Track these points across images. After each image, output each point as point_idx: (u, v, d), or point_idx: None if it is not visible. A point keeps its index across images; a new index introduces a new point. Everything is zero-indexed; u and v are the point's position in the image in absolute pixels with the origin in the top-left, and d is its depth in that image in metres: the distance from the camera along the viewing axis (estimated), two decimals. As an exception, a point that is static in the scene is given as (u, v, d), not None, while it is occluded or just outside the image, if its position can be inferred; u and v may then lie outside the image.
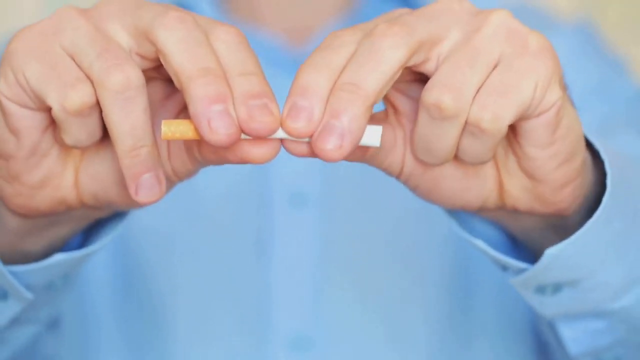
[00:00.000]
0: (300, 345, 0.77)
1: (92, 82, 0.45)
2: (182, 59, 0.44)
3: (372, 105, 0.44)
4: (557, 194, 0.50)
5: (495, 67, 0.46)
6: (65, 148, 0.49)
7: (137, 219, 0.77)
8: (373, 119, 0.49)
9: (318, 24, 0.85)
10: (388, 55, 0.44)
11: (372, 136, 0.46)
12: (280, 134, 0.45)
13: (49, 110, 0.46)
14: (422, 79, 0.48)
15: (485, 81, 0.45)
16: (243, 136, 0.44)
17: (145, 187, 0.46)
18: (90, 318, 0.79)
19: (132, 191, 0.46)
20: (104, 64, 0.44)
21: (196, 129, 0.44)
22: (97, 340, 0.79)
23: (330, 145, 0.44)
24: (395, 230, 0.79)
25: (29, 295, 0.54)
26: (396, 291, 0.79)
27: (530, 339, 0.79)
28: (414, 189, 0.51)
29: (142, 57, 0.46)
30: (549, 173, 0.49)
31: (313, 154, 0.45)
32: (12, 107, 0.46)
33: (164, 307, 0.78)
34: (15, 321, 0.57)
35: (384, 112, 0.50)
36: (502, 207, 0.51)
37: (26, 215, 0.50)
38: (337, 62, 0.45)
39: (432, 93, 0.45)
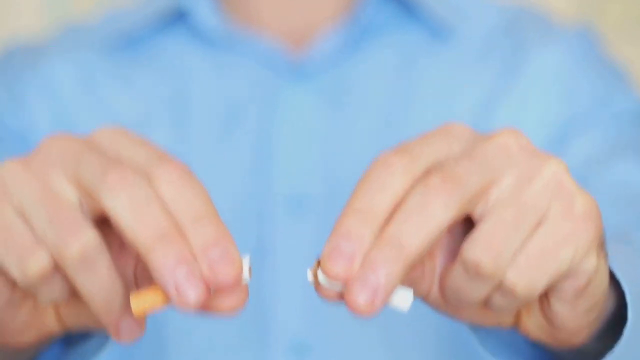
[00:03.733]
0: (299, 351, 0.77)
1: (48, 247, 0.43)
2: (133, 227, 0.43)
3: (412, 264, 0.43)
4: (572, 337, 0.50)
5: (539, 223, 0.45)
6: None
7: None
8: None
9: (318, 27, 0.85)
10: (439, 214, 0.43)
11: (402, 299, 0.45)
12: (310, 276, 0.45)
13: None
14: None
15: (526, 241, 0.44)
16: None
17: (125, 330, 0.45)
18: None
19: (113, 335, 0.45)
20: (58, 232, 0.43)
21: (164, 295, 0.43)
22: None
23: (362, 299, 0.43)
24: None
25: None
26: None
27: None
28: (435, 310, 0.50)
29: (93, 208, 0.44)
30: (567, 322, 0.48)
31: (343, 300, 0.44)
32: None
33: (163, 313, 0.78)
34: None
35: None
36: (514, 329, 0.51)
37: (16, 349, 0.50)
38: (384, 208, 0.44)
39: (473, 251, 0.44)
